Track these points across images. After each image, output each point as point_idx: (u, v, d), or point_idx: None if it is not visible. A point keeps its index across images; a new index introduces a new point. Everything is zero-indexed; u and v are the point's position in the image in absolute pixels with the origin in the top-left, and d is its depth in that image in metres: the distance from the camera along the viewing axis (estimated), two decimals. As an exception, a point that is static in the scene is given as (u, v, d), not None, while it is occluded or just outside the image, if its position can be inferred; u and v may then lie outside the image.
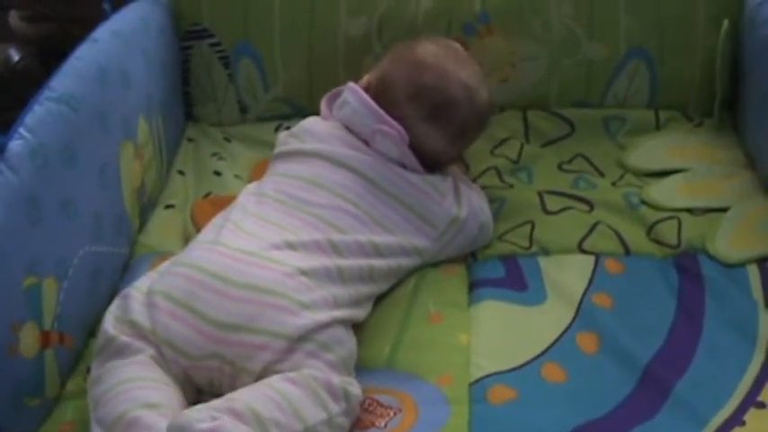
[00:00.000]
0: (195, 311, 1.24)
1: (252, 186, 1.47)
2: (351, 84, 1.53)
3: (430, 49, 1.53)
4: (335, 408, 1.20)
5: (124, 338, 1.24)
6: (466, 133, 1.54)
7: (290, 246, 1.33)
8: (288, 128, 1.62)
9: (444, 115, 1.49)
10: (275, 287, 1.26)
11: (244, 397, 1.16)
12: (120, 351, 1.23)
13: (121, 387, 1.19)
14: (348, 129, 1.49)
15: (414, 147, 1.47)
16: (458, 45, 1.57)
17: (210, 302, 1.24)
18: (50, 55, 1.55)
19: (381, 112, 1.47)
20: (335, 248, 1.36)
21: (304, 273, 1.29)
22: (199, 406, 1.14)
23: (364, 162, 1.45)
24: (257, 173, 1.64)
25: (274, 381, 1.19)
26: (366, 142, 1.47)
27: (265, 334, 1.22)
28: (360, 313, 1.36)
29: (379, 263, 1.39)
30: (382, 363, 1.33)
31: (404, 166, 1.47)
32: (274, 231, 1.35)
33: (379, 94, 1.51)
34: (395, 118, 1.47)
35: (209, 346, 1.23)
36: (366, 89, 1.52)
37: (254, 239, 1.33)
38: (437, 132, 1.49)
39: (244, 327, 1.23)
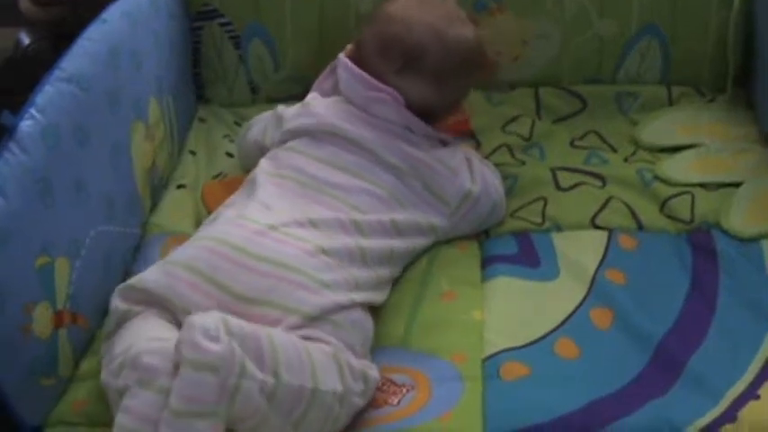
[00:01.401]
0: (216, 283, 1.24)
1: (265, 164, 1.46)
2: (341, 55, 1.54)
3: (397, 3, 1.53)
4: (354, 386, 1.20)
5: (138, 309, 1.24)
6: (449, 75, 1.51)
7: (313, 224, 1.33)
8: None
9: (417, 62, 1.48)
10: (295, 263, 1.26)
11: (271, 330, 1.16)
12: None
13: (128, 329, 1.21)
14: (350, 102, 1.50)
15: (407, 104, 1.47)
16: None
17: (231, 274, 1.24)
18: (61, 38, 1.54)
19: (368, 77, 1.48)
20: (358, 228, 1.36)
21: (326, 252, 1.29)
22: (220, 315, 1.12)
23: (371, 139, 1.45)
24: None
25: (306, 342, 1.19)
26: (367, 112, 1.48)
27: (280, 308, 1.22)
28: (378, 297, 1.36)
29: (398, 243, 1.39)
30: (396, 342, 1.33)
31: (411, 131, 1.47)
32: (297, 209, 1.35)
33: (358, 58, 1.51)
34: (375, 77, 1.47)
35: None
36: (352, 59, 1.53)
37: (276, 215, 1.33)
38: (417, 81, 1.49)
39: (261, 300, 1.23)
